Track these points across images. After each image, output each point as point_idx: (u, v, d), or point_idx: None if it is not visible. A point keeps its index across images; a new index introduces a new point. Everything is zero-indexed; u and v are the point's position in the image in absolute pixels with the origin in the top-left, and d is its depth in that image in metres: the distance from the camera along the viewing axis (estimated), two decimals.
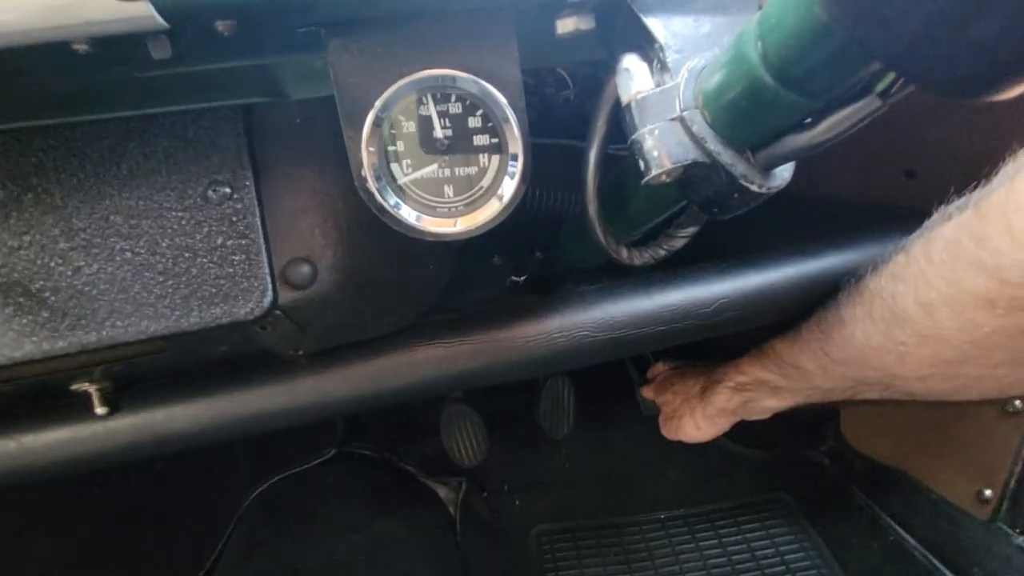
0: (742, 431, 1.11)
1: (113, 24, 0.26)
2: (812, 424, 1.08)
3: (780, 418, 1.10)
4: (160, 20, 0.27)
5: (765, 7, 0.27)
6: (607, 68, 0.38)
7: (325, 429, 1.12)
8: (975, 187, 0.48)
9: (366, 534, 1.00)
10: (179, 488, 1.00)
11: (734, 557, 1.00)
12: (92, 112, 0.37)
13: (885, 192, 0.77)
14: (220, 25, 0.30)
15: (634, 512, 1.06)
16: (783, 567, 0.97)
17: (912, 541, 0.88)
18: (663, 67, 0.33)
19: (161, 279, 0.39)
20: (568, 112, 0.72)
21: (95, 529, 0.91)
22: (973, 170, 0.66)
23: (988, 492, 0.78)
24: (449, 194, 0.38)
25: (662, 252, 0.45)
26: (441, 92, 0.36)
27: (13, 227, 0.37)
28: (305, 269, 0.41)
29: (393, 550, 0.98)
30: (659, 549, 1.02)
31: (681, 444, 0.92)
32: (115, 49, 0.29)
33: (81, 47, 0.28)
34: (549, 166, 0.60)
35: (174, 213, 0.39)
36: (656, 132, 0.32)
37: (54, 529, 0.86)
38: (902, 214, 0.67)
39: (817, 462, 1.08)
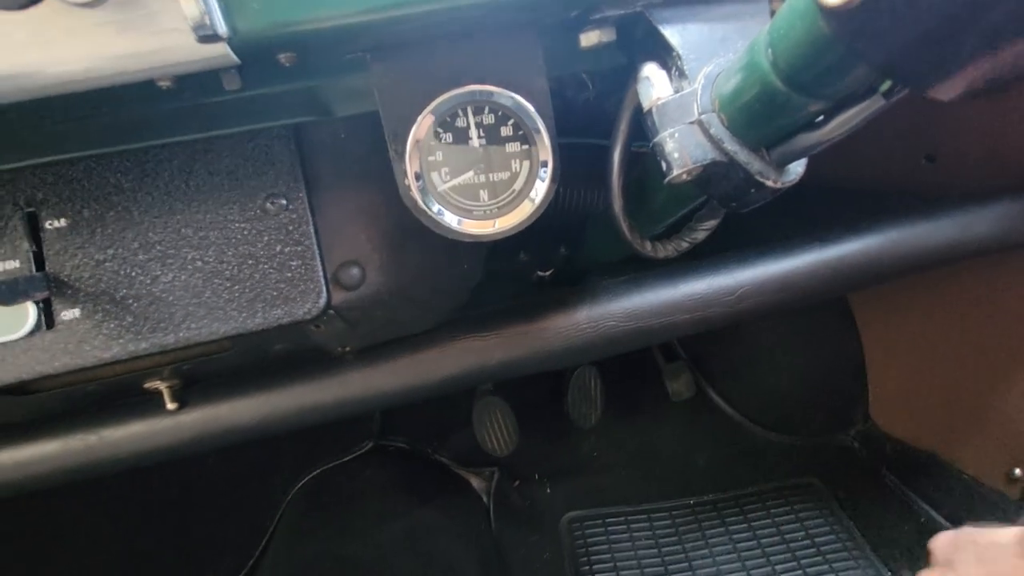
0: (771, 417, 1.12)
1: (195, 64, 0.30)
2: (841, 408, 1.09)
3: (809, 403, 1.11)
4: (234, 57, 0.31)
5: (775, 19, 0.29)
6: (627, 70, 0.41)
7: (362, 424, 1.17)
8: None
9: (405, 523, 1.04)
10: (226, 482, 1.06)
11: (763, 541, 1.01)
12: (163, 136, 0.42)
13: (905, 176, 0.78)
14: (282, 57, 0.34)
15: (663, 498, 1.07)
16: (813, 550, 0.98)
17: (944, 522, 0.89)
18: (681, 74, 0.36)
19: (228, 284, 0.43)
20: (589, 111, 0.74)
21: (150, 518, 0.97)
22: (993, 155, 0.67)
23: (1018, 471, 0.79)
24: (485, 198, 0.41)
25: (685, 245, 0.48)
26: (475, 105, 0.39)
27: (98, 242, 0.42)
28: (355, 271, 0.45)
29: (431, 538, 1.02)
30: (689, 534, 1.03)
31: (710, 429, 0.93)
32: (192, 82, 0.33)
33: (165, 83, 0.32)
34: (573, 165, 0.63)
35: (237, 224, 0.43)
36: (676, 135, 0.35)
37: (111, 518, 0.93)
38: (921, 199, 0.68)
39: (847, 446, 1.08)
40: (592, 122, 0.70)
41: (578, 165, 0.65)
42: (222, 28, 0.29)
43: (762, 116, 0.32)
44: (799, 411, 1.11)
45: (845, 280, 0.63)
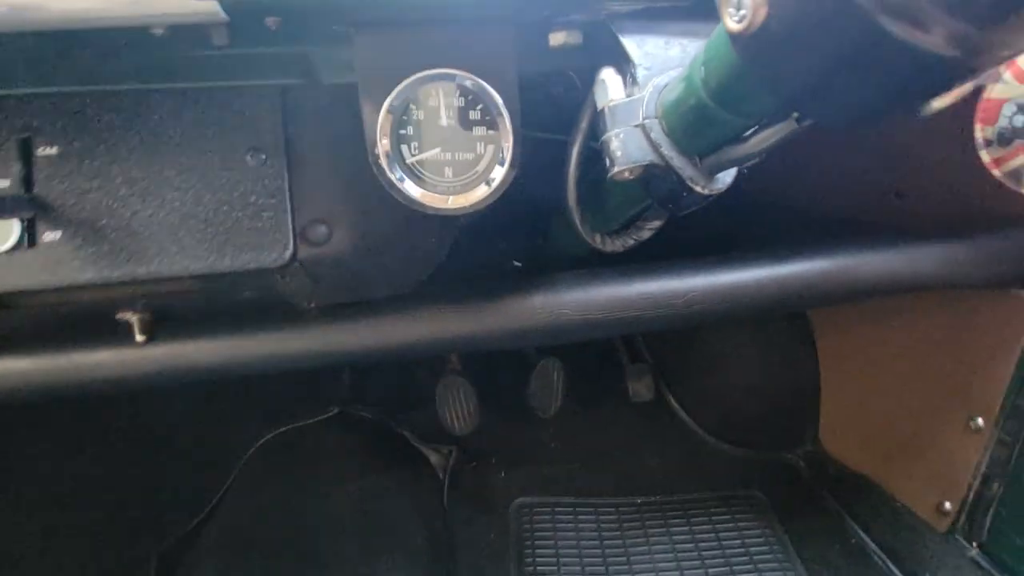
0: (725, 429, 1.16)
1: (187, 16, 0.33)
2: (791, 428, 1.13)
3: (761, 419, 1.15)
4: (223, 15, 0.34)
5: (708, 41, 0.32)
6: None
7: (330, 389, 1.20)
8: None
9: (358, 486, 1.07)
10: (192, 430, 1.09)
11: (702, 545, 1.05)
12: (155, 81, 0.45)
13: (879, 210, 0.81)
14: (269, 21, 0.37)
15: (612, 494, 1.11)
16: (747, 559, 1.02)
17: (872, 545, 0.93)
18: (634, 80, 0.39)
19: (203, 226, 0.46)
20: (575, 109, 0.77)
21: (112, 456, 1.00)
22: (961, 194, 0.70)
23: (948, 505, 0.83)
24: (448, 175, 0.45)
25: (631, 241, 0.51)
26: (447, 88, 0.43)
27: (85, 172, 0.45)
28: (322, 229, 0.49)
29: (383, 505, 1.06)
30: (632, 531, 1.07)
31: (664, 433, 0.96)
32: (184, 34, 0.36)
33: (158, 31, 0.35)
34: (552, 159, 0.66)
35: (218, 172, 0.46)
36: (621, 135, 0.38)
37: (78, 449, 0.96)
38: (888, 232, 0.72)
39: (792, 464, 1.12)
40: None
41: (556, 159, 0.69)
42: None
43: (695, 127, 0.36)
44: (751, 426, 1.15)
45: (792, 297, 0.66)
